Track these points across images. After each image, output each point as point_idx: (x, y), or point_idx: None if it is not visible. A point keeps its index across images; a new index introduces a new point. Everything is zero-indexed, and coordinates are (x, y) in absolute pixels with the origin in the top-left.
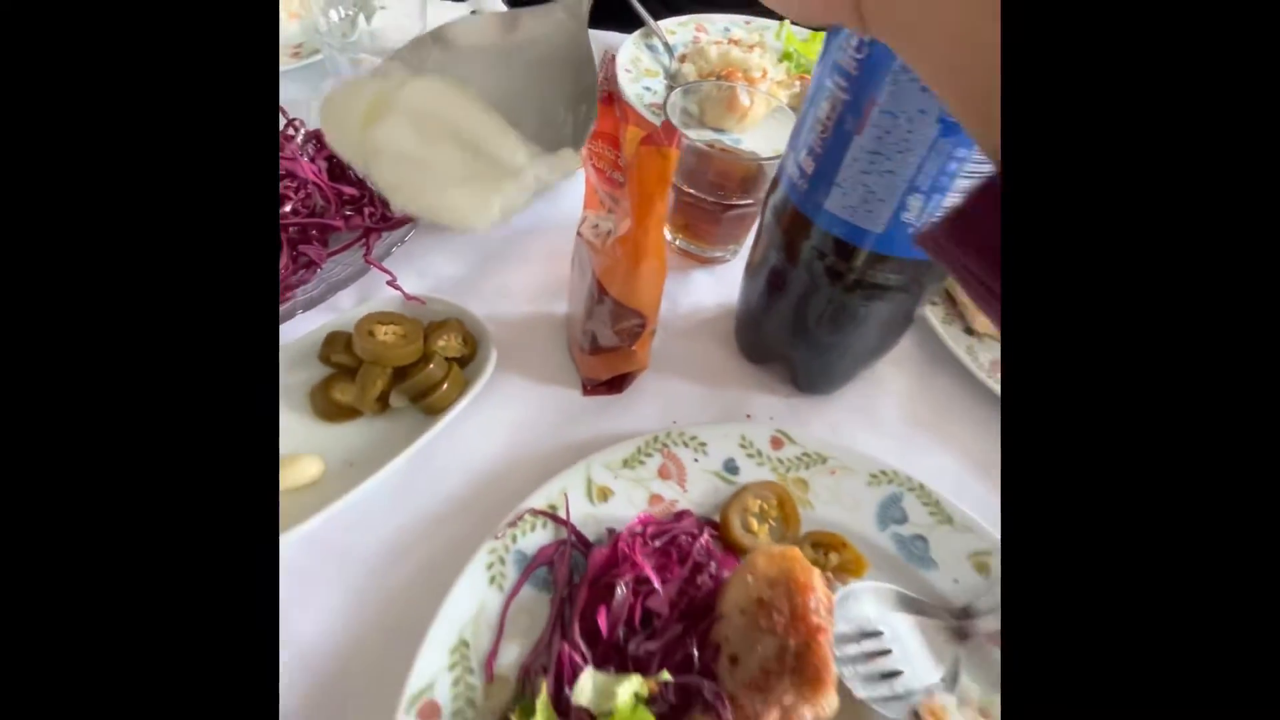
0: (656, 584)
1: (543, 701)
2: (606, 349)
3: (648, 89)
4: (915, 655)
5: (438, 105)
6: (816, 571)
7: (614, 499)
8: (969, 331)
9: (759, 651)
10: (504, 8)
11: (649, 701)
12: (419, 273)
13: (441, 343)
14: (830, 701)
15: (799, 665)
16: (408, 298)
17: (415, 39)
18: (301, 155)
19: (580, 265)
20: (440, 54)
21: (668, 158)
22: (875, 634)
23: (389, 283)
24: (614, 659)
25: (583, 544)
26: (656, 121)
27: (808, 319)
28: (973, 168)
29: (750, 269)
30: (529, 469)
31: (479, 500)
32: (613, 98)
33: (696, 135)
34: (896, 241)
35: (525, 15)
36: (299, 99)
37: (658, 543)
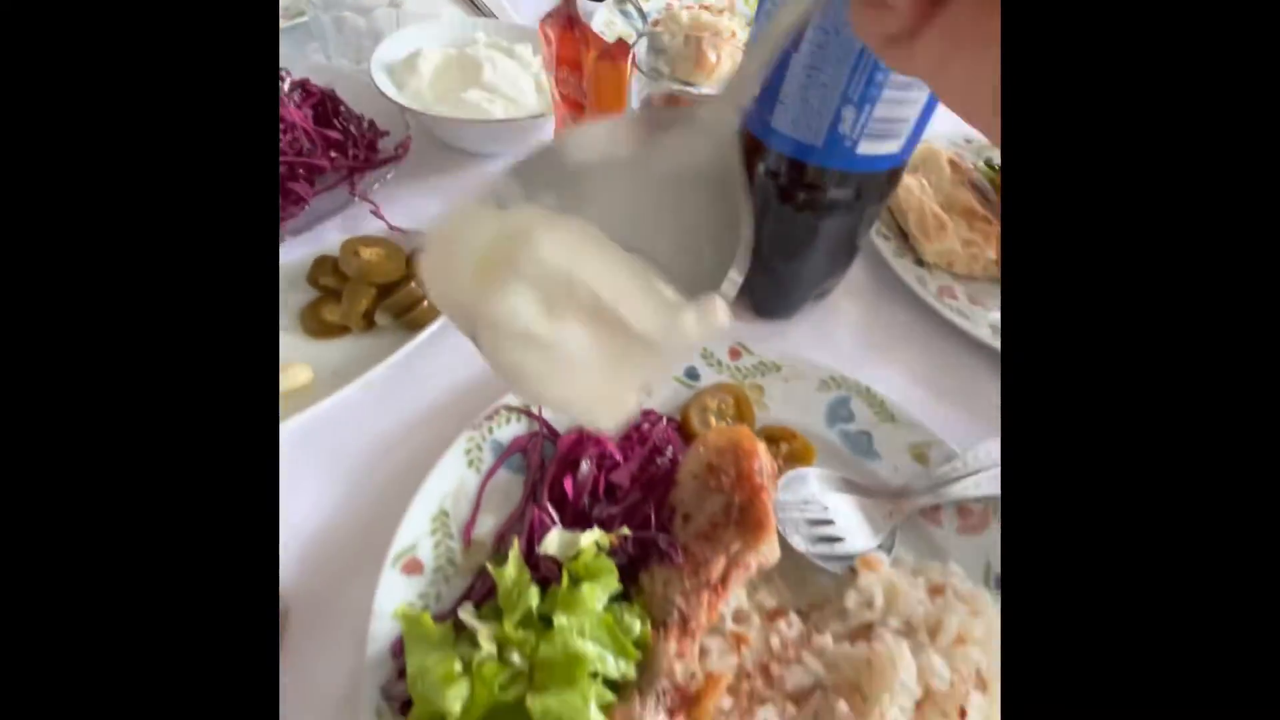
0: (618, 456)
1: (514, 553)
2: None
3: None
4: (855, 527)
5: (570, 270)
6: (761, 442)
7: None
8: (919, 263)
9: (708, 508)
10: (514, 18)
11: (611, 554)
12: (404, 212)
13: None
14: (771, 549)
15: (743, 518)
16: (391, 228)
17: (534, 152)
18: (289, 102)
19: None
20: (561, 169)
21: (621, 70)
22: (820, 508)
23: (372, 212)
24: (580, 523)
25: (553, 435)
26: None
27: (763, 243)
28: (896, 78)
29: None
30: (504, 383)
31: (458, 407)
32: (573, 22)
33: None
34: (835, 153)
35: (660, 123)
36: (286, 54)
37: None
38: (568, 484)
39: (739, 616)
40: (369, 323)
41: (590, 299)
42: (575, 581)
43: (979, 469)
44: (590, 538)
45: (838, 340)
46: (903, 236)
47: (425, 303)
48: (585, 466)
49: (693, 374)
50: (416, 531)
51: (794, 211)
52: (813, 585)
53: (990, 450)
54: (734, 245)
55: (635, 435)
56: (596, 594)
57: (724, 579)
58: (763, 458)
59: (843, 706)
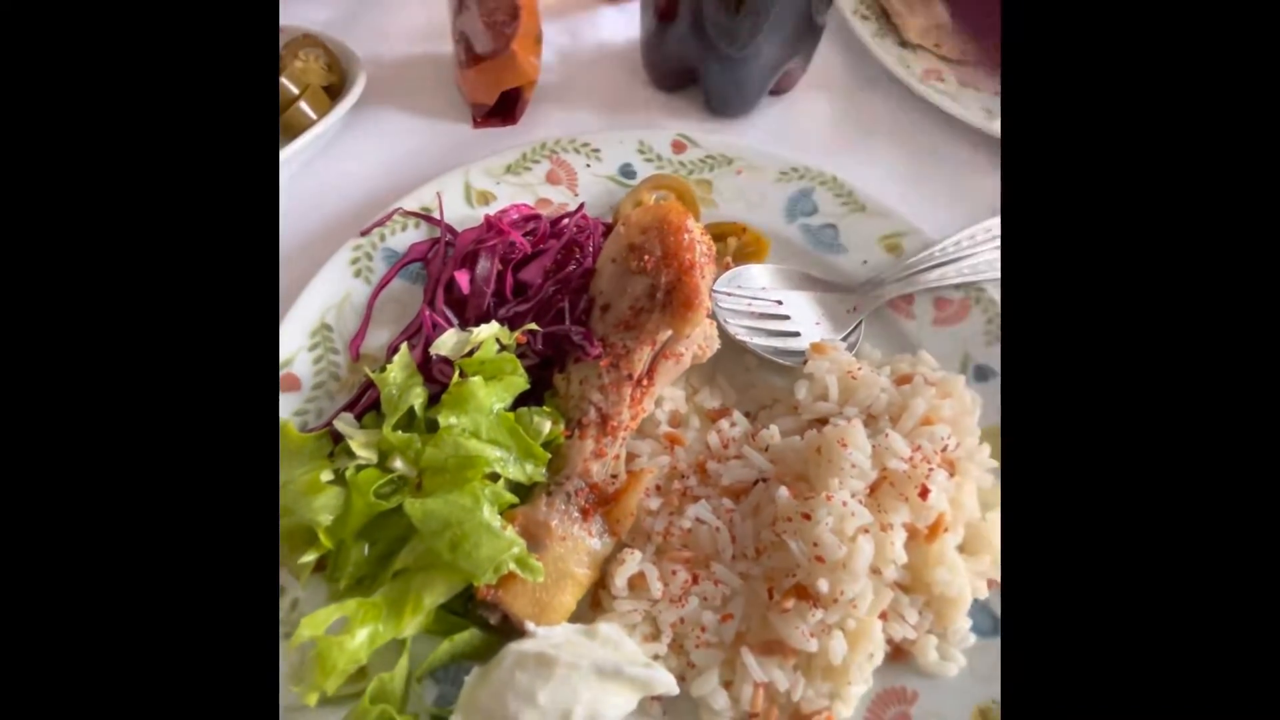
0: (525, 248)
1: (401, 356)
2: (484, 56)
3: None
4: (812, 322)
5: None
6: (691, 216)
7: (496, 204)
8: (903, 44)
9: (630, 293)
10: None
11: (520, 356)
12: (285, 18)
13: (299, 64)
14: (707, 335)
15: (669, 300)
16: None
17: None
18: None
19: None
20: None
21: None
22: (771, 303)
23: None
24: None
25: (456, 239)
26: None
27: (711, 19)
28: None
29: None
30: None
31: (358, 224)
32: None
33: None
34: None
35: None
36: None
37: (531, 225)
38: (462, 279)
39: (675, 419)
40: None
41: None
42: (466, 378)
43: (959, 256)
44: (488, 332)
45: (803, 137)
46: (884, 16)
47: (301, 103)
48: (484, 261)
49: (628, 172)
50: (292, 346)
51: None
52: (763, 386)
53: (974, 235)
54: None
55: (549, 227)
56: (495, 392)
57: (650, 371)
58: (694, 232)
59: (783, 492)
